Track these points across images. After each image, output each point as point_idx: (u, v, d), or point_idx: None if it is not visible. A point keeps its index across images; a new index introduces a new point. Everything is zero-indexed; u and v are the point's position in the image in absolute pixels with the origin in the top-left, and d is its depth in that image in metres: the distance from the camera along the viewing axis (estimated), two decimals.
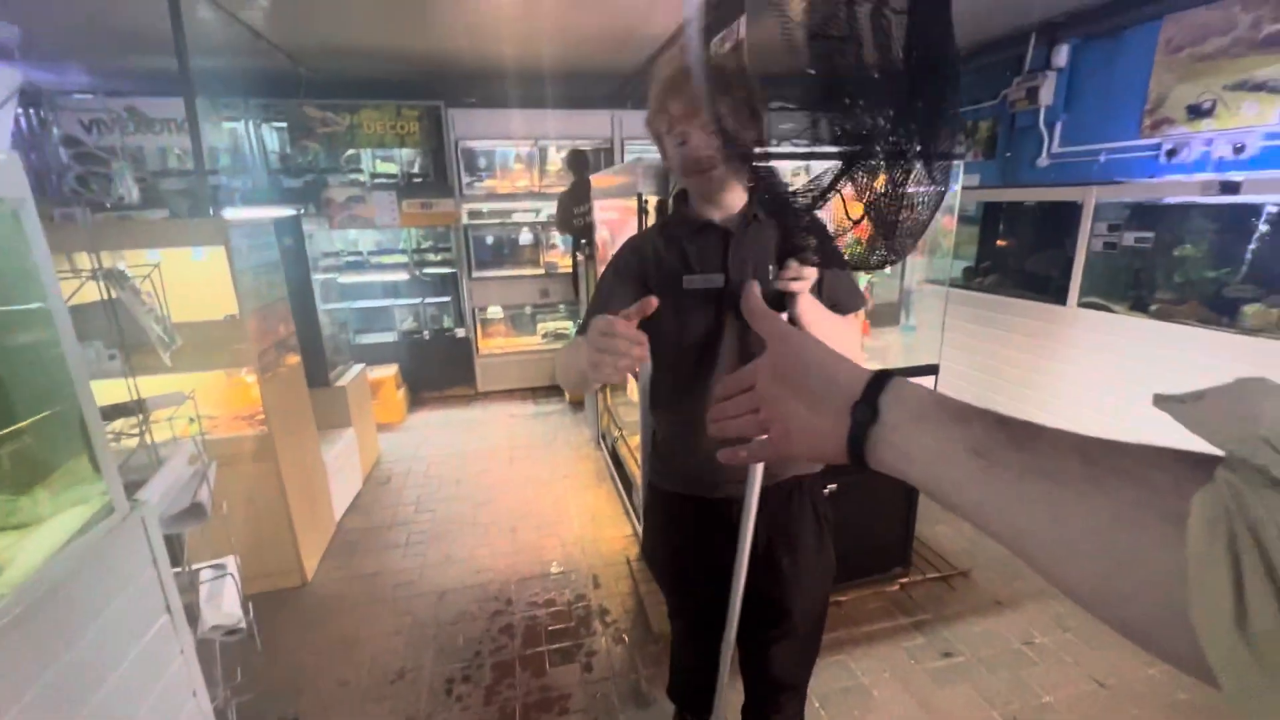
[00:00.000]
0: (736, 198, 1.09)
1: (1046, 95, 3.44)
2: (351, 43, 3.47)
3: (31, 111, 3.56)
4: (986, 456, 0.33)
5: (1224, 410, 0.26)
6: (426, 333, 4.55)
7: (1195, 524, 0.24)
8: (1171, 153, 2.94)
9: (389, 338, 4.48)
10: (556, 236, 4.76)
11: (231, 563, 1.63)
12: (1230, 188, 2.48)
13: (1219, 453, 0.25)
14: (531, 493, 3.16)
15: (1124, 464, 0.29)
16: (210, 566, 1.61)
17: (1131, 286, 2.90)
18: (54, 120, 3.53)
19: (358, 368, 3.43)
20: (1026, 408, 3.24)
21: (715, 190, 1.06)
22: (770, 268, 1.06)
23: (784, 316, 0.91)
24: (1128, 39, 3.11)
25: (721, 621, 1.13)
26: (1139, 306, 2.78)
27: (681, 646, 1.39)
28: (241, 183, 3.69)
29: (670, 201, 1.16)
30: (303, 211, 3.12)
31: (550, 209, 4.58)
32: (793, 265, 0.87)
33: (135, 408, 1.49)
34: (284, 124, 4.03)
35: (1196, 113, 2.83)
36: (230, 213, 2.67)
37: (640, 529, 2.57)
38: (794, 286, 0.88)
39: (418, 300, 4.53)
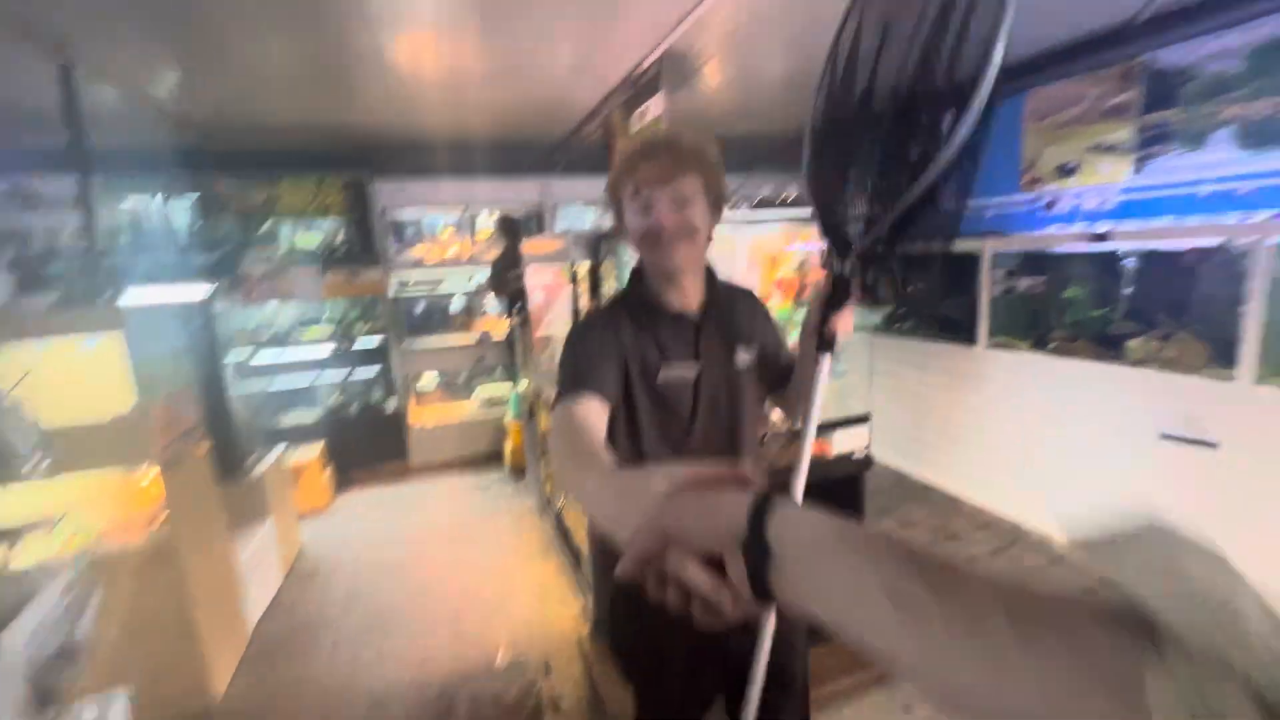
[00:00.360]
0: (694, 280, 1.08)
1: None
2: (268, 117, 3.41)
3: None
4: (907, 607, 0.31)
5: (1146, 562, 0.26)
6: (355, 407, 4.32)
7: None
8: (1050, 205, 3.29)
9: (313, 416, 4.22)
10: (490, 302, 4.71)
11: (121, 700, 1.42)
12: (1100, 237, 2.78)
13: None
14: (474, 574, 2.97)
15: (1051, 621, 0.28)
16: (91, 706, 1.39)
17: (1032, 327, 3.15)
18: None
19: (277, 452, 3.19)
20: (953, 446, 3.41)
21: (676, 269, 1.03)
22: (737, 351, 1.11)
23: (829, 358, 0.96)
24: (999, 110, 3.51)
25: (698, 704, 1.09)
26: (1040, 345, 3.02)
27: None
28: (145, 261, 3.46)
29: (627, 280, 1.13)
30: (215, 288, 2.94)
31: (482, 275, 4.55)
32: (847, 311, 0.92)
33: (4, 534, 1.31)
34: (194, 198, 3.85)
35: (1064, 171, 3.19)
36: (131, 294, 2.48)
37: (591, 603, 2.45)
38: (846, 329, 0.94)
39: (345, 373, 4.32)
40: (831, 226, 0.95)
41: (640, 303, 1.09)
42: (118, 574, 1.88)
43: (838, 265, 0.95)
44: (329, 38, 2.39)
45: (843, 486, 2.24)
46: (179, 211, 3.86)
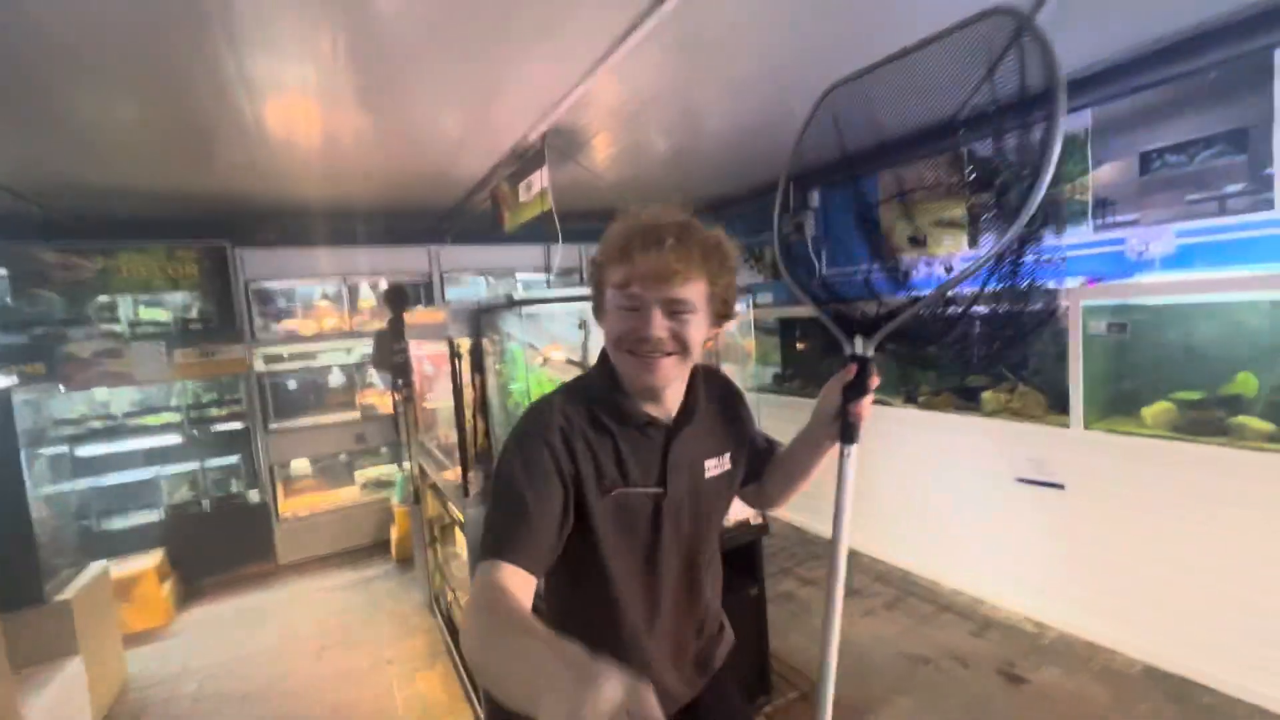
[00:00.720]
0: (675, 390, 0.93)
1: (810, 228, 4.15)
2: (108, 182, 3.05)
3: None
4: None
5: None
6: (206, 503, 3.76)
7: None
8: (905, 274, 3.64)
9: (152, 516, 3.62)
10: (373, 376, 4.39)
11: None
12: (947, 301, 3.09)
13: None
14: (348, 689, 2.58)
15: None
16: None
17: (902, 383, 3.40)
18: None
19: (95, 567, 2.66)
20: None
21: (655, 388, 0.88)
22: (711, 460, 0.98)
23: (855, 450, 0.94)
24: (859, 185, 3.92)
25: None
26: (911, 399, 3.26)
27: None
28: None
29: (595, 365, 0.96)
30: (16, 375, 2.48)
31: (364, 347, 4.26)
32: (868, 399, 0.91)
33: None
34: (4, 271, 3.32)
35: (915, 242, 3.57)
36: None
37: (484, 716, 2.19)
38: (868, 415, 0.93)
39: (195, 465, 3.78)
40: (839, 312, 0.95)
41: (605, 400, 0.90)
42: None
43: (853, 348, 0.92)
44: (183, 102, 2.20)
45: (741, 553, 2.21)
46: None
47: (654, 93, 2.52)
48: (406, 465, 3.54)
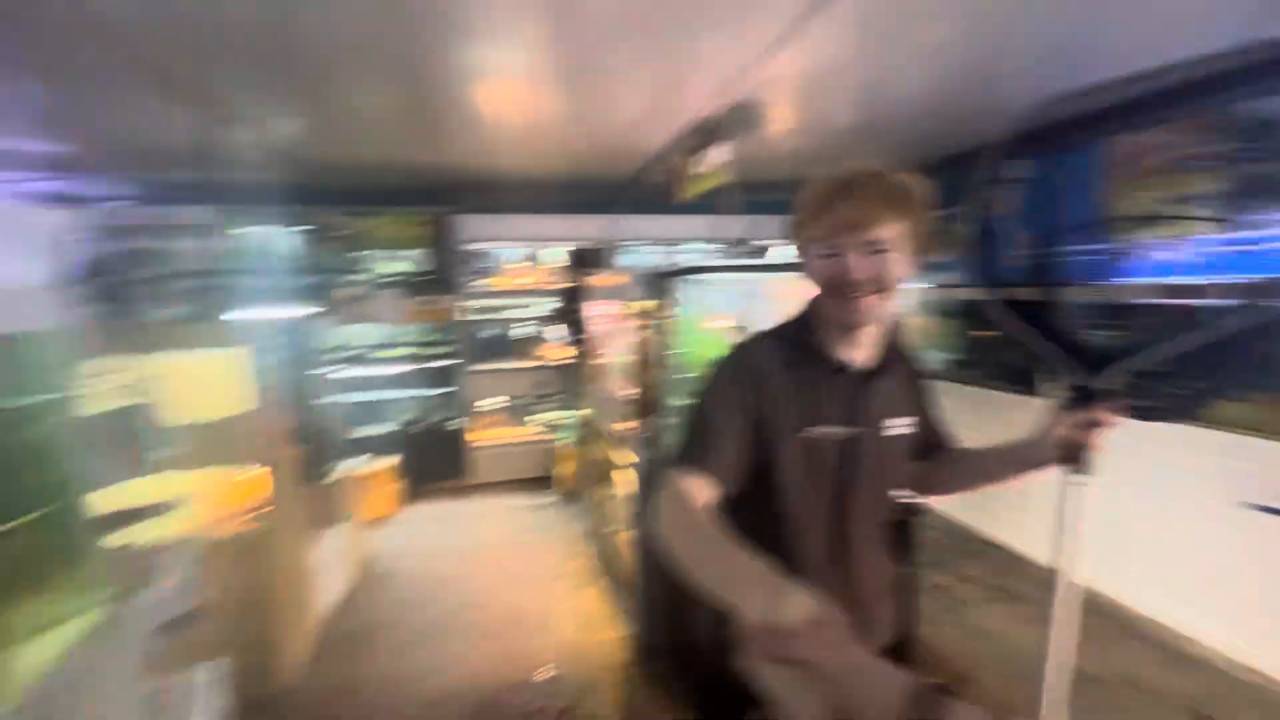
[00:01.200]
0: (871, 335, 0.98)
1: (1011, 203, 3.76)
2: (368, 157, 3.80)
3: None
4: None
5: None
6: (424, 424, 4.60)
7: None
8: (1129, 256, 3.18)
9: (386, 429, 4.53)
10: (552, 331, 4.94)
11: (218, 668, 1.60)
12: (1182, 291, 2.66)
13: None
14: (523, 593, 3.09)
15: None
16: (198, 671, 1.58)
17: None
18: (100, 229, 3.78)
19: (353, 462, 3.46)
20: (1017, 499, 3.26)
21: (859, 325, 0.94)
22: (897, 416, 1.02)
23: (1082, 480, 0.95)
24: (1075, 159, 3.45)
25: None
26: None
27: None
28: (260, 284, 3.90)
29: (794, 318, 1.03)
30: (313, 311, 3.28)
31: (547, 305, 4.79)
32: (1104, 412, 0.91)
33: (132, 514, 1.52)
34: (303, 229, 4.31)
35: (1140, 222, 3.09)
36: (246, 313, 2.82)
37: (636, 633, 2.51)
38: (1100, 445, 0.93)
39: (415, 393, 4.63)
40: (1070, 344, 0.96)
41: (801, 347, 0.98)
42: (219, 559, 2.11)
43: (1090, 380, 0.94)
44: (423, 87, 2.67)
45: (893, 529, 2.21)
46: (287, 240, 4.33)
47: (841, 64, 2.49)
48: (577, 412, 3.99)
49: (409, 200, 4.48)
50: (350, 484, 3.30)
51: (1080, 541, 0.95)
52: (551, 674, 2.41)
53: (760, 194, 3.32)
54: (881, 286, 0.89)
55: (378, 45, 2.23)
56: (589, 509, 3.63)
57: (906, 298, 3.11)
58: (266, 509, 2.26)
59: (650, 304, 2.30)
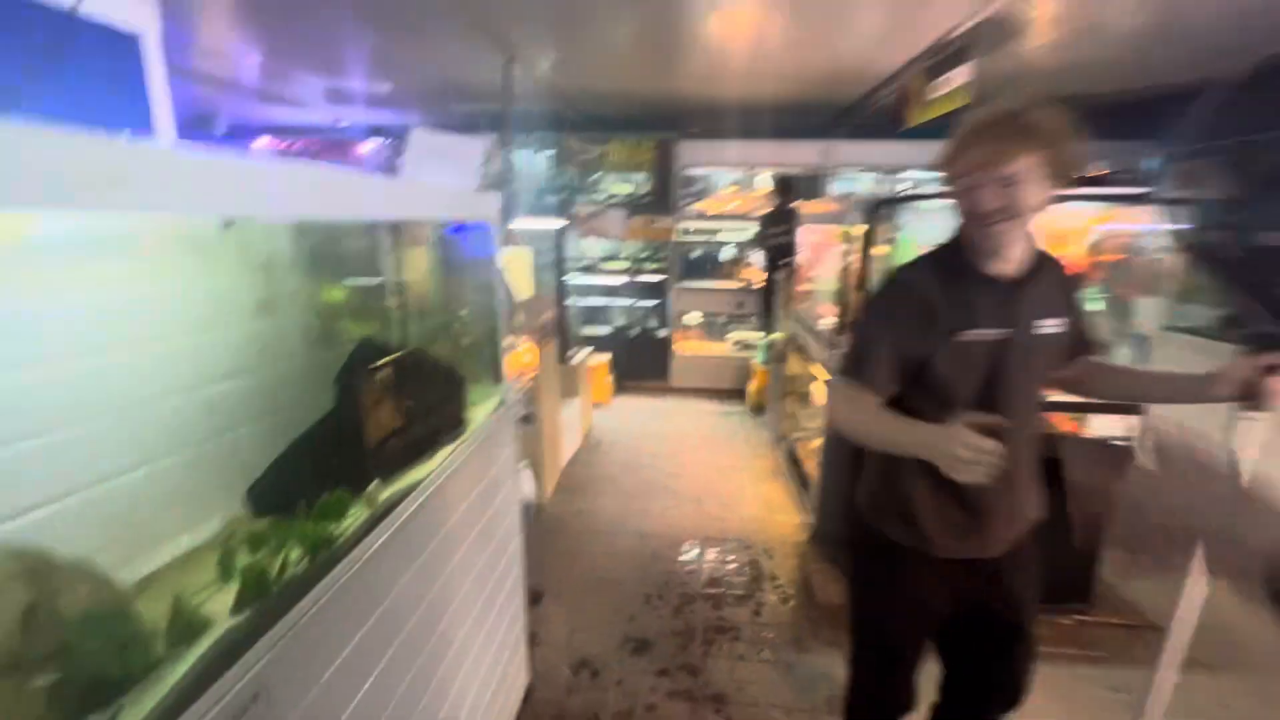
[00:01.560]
0: (1015, 250, 1.10)
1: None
2: (609, 87, 4.30)
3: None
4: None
5: None
6: (635, 330, 5.30)
7: None
8: None
9: (604, 330, 5.32)
10: (754, 255, 5.20)
11: (525, 465, 2.34)
12: None
13: None
14: (714, 475, 3.62)
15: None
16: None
17: None
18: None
19: (584, 352, 4.23)
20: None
21: (998, 244, 1.08)
22: (1044, 319, 1.14)
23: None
24: None
25: (915, 662, 1.31)
26: None
27: (872, 677, 1.41)
28: (524, 198, 4.77)
29: (947, 240, 1.18)
30: (565, 223, 3.99)
31: (754, 229, 5.03)
32: None
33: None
34: (552, 152, 5.07)
35: None
36: (522, 222, 3.57)
37: (810, 519, 2.88)
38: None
39: (630, 302, 5.31)
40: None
41: (956, 263, 1.13)
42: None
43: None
44: (664, 17, 2.96)
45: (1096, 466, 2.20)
46: (541, 162, 5.14)
47: None
48: (771, 333, 4.29)
49: (638, 127, 4.96)
50: (582, 369, 4.07)
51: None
52: (739, 536, 2.91)
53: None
54: (1014, 214, 1.03)
55: None
56: (777, 419, 4.00)
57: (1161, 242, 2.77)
58: (533, 374, 3.01)
59: (865, 229, 2.46)
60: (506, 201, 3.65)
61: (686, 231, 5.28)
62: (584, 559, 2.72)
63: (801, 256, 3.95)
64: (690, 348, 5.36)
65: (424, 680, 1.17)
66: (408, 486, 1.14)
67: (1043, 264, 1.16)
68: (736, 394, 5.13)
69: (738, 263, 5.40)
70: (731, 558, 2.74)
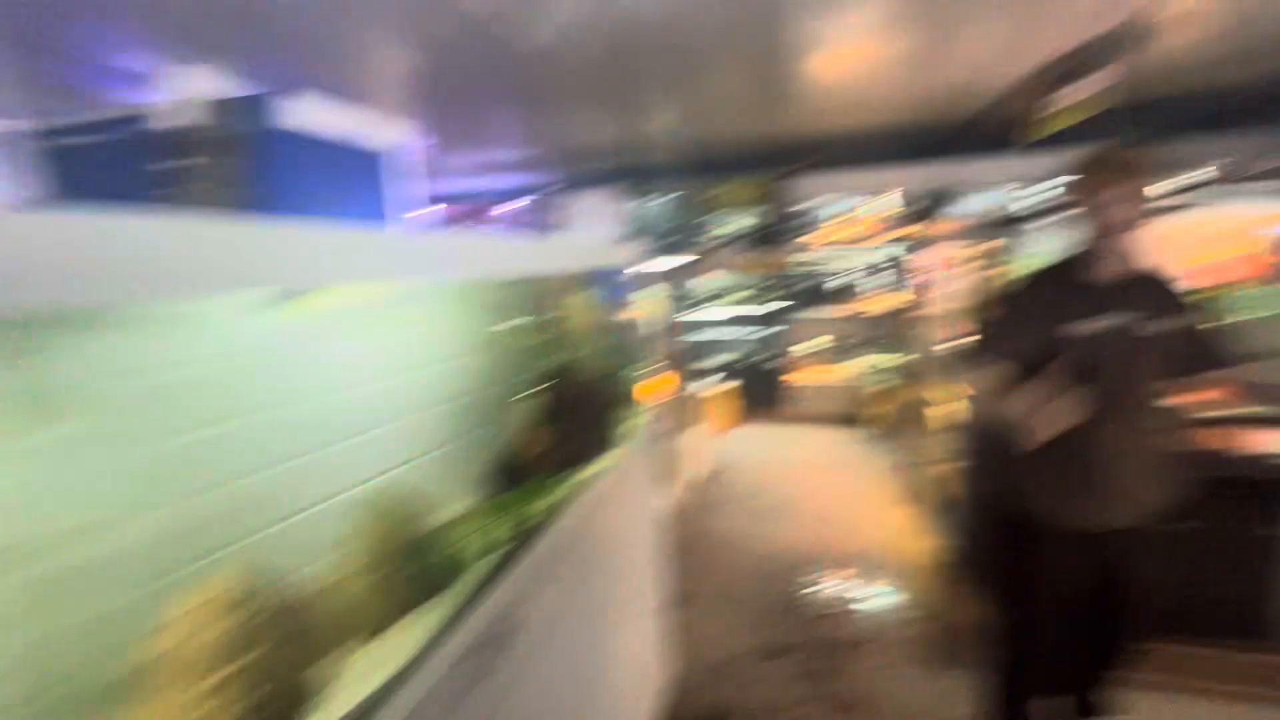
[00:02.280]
0: (1121, 259, 1.36)
1: None
2: (723, 132, 4.62)
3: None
4: None
5: None
6: (755, 359, 5.45)
7: None
8: None
9: (723, 360, 5.52)
10: (864, 282, 5.17)
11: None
12: None
13: None
14: (839, 500, 3.64)
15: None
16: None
17: None
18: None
19: (710, 380, 4.46)
20: None
21: (1117, 252, 1.35)
22: (1142, 321, 1.35)
23: None
24: None
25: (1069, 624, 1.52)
26: None
27: (1031, 639, 1.58)
28: (654, 242, 5.19)
29: (1063, 255, 1.45)
30: (685, 262, 4.32)
31: (868, 257, 5.02)
32: None
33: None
34: (675, 196, 5.48)
35: None
36: (650, 263, 3.93)
37: (946, 539, 2.81)
38: None
39: (750, 331, 5.49)
40: None
41: (1069, 272, 1.41)
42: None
43: None
44: (771, 61, 3.18)
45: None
46: (664, 206, 5.56)
47: None
48: (891, 357, 4.23)
49: (751, 167, 5.22)
50: (707, 398, 4.30)
51: None
52: (863, 554, 2.92)
53: (1148, 115, 2.94)
54: (1132, 226, 1.32)
55: (741, 29, 2.75)
56: (901, 445, 3.92)
57: None
58: (665, 401, 3.28)
59: (989, 248, 2.47)
60: (640, 246, 4.07)
61: (800, 263, 5.38)
62: (715, 573, 2.89)
63: (921, 280, 3.91)
64: (806, 376, 5.39)
65: (601, 645, 1.43)
66: (578, 482, 1.43)
67: (1145, 276, 1.40)
68: (855, 420, 5.05)
69: (852, 290, 5.39)
70: (861, 578, 2.77)
